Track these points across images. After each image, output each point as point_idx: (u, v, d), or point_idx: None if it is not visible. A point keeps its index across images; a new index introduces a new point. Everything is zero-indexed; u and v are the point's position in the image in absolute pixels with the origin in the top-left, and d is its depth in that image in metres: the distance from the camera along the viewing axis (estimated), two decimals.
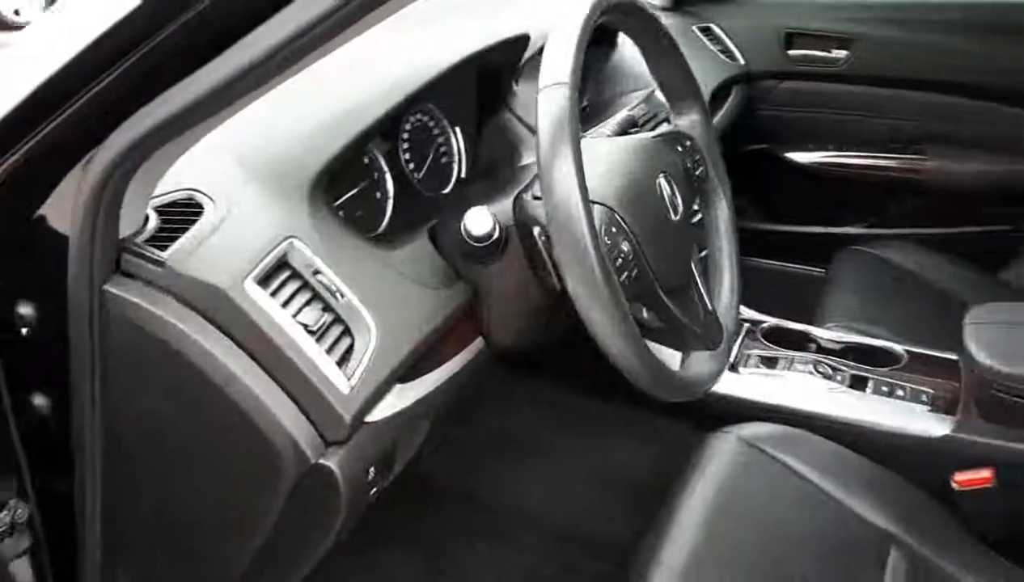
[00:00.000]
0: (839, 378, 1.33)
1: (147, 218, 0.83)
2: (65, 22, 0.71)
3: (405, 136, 1.12)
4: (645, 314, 0.93)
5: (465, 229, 0.93)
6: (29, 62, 0.71)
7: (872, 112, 1.99)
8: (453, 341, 1.01)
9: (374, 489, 0.93)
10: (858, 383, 1.32)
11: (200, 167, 0.86)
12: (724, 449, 1.18)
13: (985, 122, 1.91)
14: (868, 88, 1.98)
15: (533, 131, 1.19)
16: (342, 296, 0.86)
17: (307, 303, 0.84)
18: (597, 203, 0.86)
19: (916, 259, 1.78)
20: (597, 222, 0.83)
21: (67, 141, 0.73)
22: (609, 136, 1.14)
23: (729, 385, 1.32)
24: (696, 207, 1.09)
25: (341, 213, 0.98)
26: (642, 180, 0.96)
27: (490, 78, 1.21)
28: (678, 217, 0.99)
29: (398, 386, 0.91)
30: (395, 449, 0.96)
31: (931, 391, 1.29)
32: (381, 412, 0.88)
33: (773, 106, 2.06)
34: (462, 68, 1.12)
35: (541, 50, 1.26)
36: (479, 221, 0.93)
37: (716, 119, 1.77)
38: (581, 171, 0.79)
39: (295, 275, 0.84)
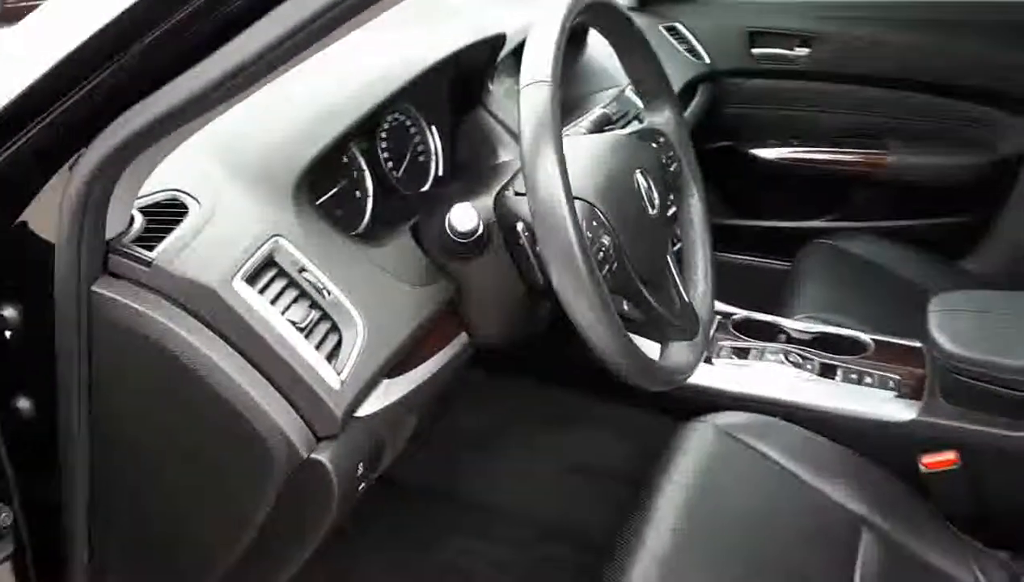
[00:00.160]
0: (809, 367, 1.36)
1: (132, 219, 0.83)
2: (50, 26, 0.71)
3: (383, 135, 1.13)
4: (625, 306, 0.95)
5: (450, 225, 0.95)
6: (13, 66, 0.71)
7: (834, 108, 2.03)
8: (437, 337, 1.02)
9: (362, 484, 0.94)
10: (827, 371, 1.35)
11: (182, 168, 0.86)
12: (700, 438, 1.21)
13: (942, 117, 1.96)
14: (830, 85, 2.02)
15: (508, 129, 1.22)
16: (328, 293, 0.87)
17: (294, 300, 0.85)
18: (579, 199, 0.88)
19: (879, 250, 1.83)
20: (579, 217, 0.85)
21: (52, 145, 0.73)
22: (585, 133, 1.16)
23: (703, 376, 1.35)
24: (670, 201, 1.12)
25: (323, 212, 0.99)
26: (620, 176, 0.98)
27: (466, 77, 1.22)
28: (655, 211, 1.01)
29: (385, 381, 0.92)
30: (383, 444, 0.97)
31: (897, 377, 1.32)
32: (370, 407, 0.90)
33: (738, 104, 2.10)
34: (439, 68, 1.13)
35: (515, 49, 1.29)
36: (464, 217, 0.94)
37: None
38: (564, 168, 0.80)
39: (282, 273, 0.85)
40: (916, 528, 1.16)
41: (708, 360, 1.38)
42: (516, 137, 1.21)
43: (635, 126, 1.32)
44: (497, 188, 1.00)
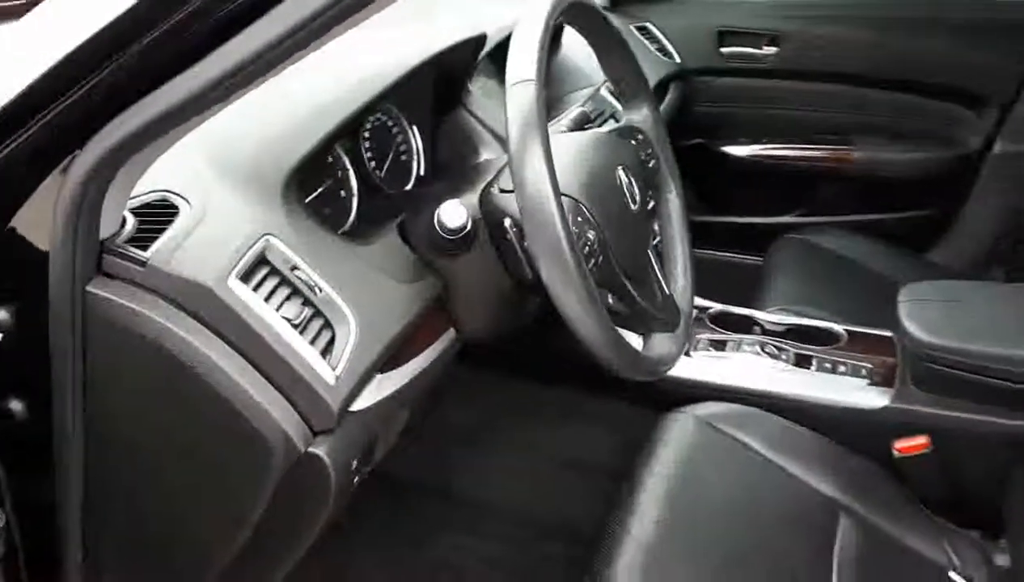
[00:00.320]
0: (784, 357, 1.40)
1: (124, 220, 0.83)
2: (47, 27, 0.72)
3: (366, 135, 1.15)
4: (610, 300, 0.97)
5: (439, 222, 0.96)
6: (10, 67, 0.71)
7: (802, 105, 2.07)
8: (426, 332, 1.04)
9: (356, 478, 0.95)
10: (802, 362, 1.39)
11: (171, 168, 0.86)
12: (681, 429, 1.24)
13: (906, 113, 2.00)
14: (797, 83, 2.06)
15: (489, 128, 1.23)
16: (320, 291, 0.88)
17: (287, 298, 0.86)
18: (564, 195, 0.90)
19: (848, 244, 1.87)
20: (565, 213, 0.87)
21: (48, 146, 0.73)
22: (565, 132, 1.18)
23: (683, 368, 1.37)
24: (649, 197, 1.14)
25: (311, 211, 1.00)
26: (603, 172, 1.00)
27: (447, 78, 1.24)
28: (636, 207, 1.04)
29: (378, 376, 0.94)
30: (376, 438, 0.98)
31: (870, 366, 1.36)
32: (364, 401, 0.91)
33: (708, 102, 2.12)
34: (422, 69, 1.15)
35: (493, 49, 1.30)
36: (454, 214, 0.96)
37: None
38: (552, 165, 0.82)
39: (274, 271, 0.86)
40: (891, 511, 1.19)
41: (687, 353, 1.41)
42: (497, 136, 1.23)
43: (612, 124, 1.35)
44: (481, 186, 1.02)
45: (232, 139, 0.94)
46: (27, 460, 0.90)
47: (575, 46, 1.63)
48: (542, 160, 0.81)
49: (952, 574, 1.12)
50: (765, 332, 1.46)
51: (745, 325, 1.48)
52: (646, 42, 2.02)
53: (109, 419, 0.87)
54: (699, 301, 1.54)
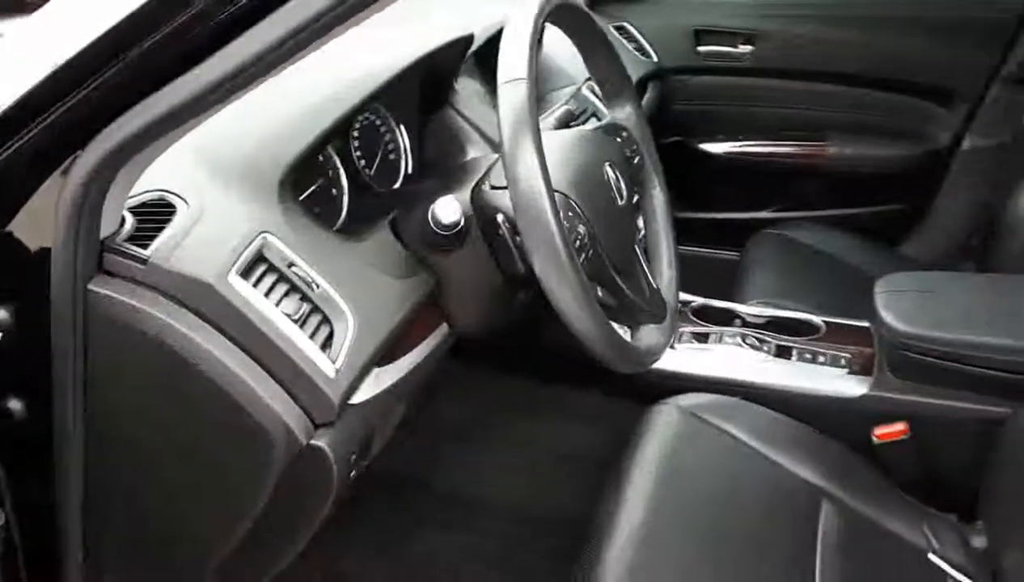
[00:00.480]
0: (766, 349, 1.43)
1: (123, 219, 0.84)
2: (51, 29, 0.72)
3: (355, 134, 1.16)
4: (599, 293, 0.99)
5: (434, 218, 0.98)
6: (14, 68, 0.72)
7: (777, 103, 2.10)
8: (420, 327, 1.05)
9: (353, 472, 0.97)
10: (783, 352, 1.42)
11: (166, 168, 0.87)
12: (666, 420, 1.26)
13: (879, 109, 2.04)
14: (773, 80, 2.09)
15: (476, 127, 1.25)
16: (317, 287, 0.89)
17: (286, 294, 0.87)
18: (555, 191, 0.92)
19: (823, 238, 1.91)
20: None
21: (49, 147, 0.74)
22: (551, 129, 1.20)
23: (667, 361, 1.38)
24: (634, 193, 1.17)
25: (305, 209, 1.01)
26: (591, 169, 1.03)
27: (434, 78, 1.25)
28: (623, 202, 1.06)
29: (376, 370, 0.95)
30: (374, 432, 1.00)
31: (848, 356, 1.39)
32: (362, 395, 0.92)
33: (686, 100, 2.15)
34: (410, 69, 1.16)
35: (478, 49, 1.32)
36: (449, 210, 0.97)
37: None
38: (544, 161, 0.84)
39: (272, 268, 0.87)
40: (871, 496, 1.22)
41: (671, 346, 1.44)
42: (483, 134, 1.24)
43: (595, 122, 1.37)
44: (470, 183, 1.03)
45: (226, 138, 0.95)
46: (26, 459, 0.90)
47: (555, 46, 1.65)
48: (535, 156, 0.83)
49: (931, 556, 1.14)
50: (746, 324, 1.49)
51: (726, 318, 1.51)
52: (624, 41, 2.04)
53: (110, 417, 0.88)
54: (681, 295, 1.56)
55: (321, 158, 1.10)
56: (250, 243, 0.86)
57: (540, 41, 1.66)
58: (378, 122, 1.21)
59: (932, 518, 1.23)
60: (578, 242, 0.93)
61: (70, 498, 0.91)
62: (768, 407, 1.31)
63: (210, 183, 0.90)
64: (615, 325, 0.99)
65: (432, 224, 0.98)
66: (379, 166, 1.20)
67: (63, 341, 0.82)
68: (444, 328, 1.10)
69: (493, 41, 1.35)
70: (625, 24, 2.10)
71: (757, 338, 1.45)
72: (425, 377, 1.09)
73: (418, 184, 1.21)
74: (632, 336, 1.06)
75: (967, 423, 1.27)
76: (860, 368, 1.37)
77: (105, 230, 0.81)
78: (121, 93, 0.71)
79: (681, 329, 1.48)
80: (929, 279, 1.43)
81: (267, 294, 0.86)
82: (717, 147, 2.13)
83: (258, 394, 0.83)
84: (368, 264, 0.98)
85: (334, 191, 1.12)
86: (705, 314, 1.52)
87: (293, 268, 0.89)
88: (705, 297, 1.56)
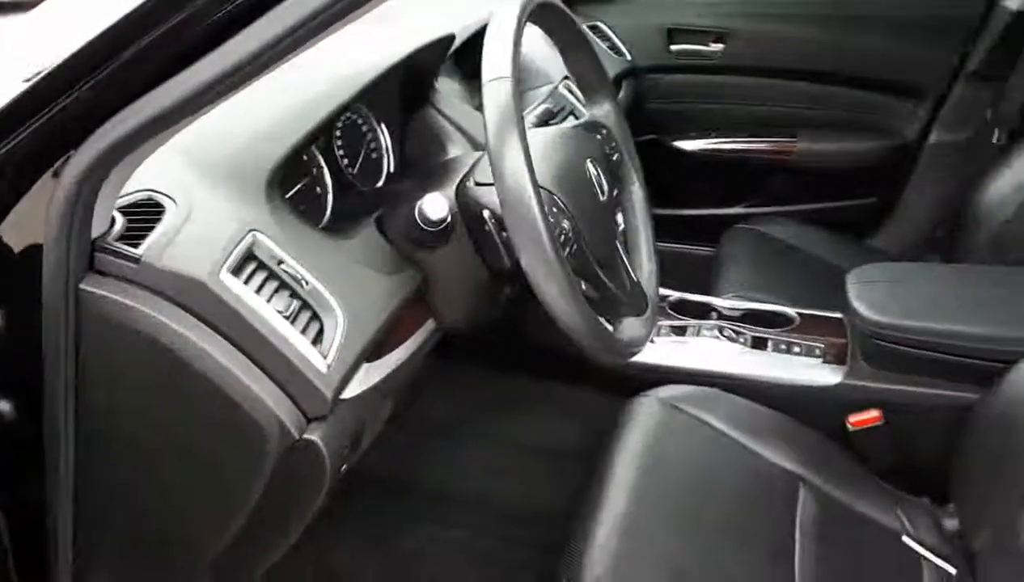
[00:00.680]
0: (742, 340, 1.46)
1: (113, 219, 0.84)
2: (46, 29, 0.73)
3: (338, 134, 1.17)
4: (583, 286, 1.01)
5: (422, 214, 0.99)
6: (6, 69, 0.73)
7: (749, 100, 2.13)
8: (407, 323, 1.07)
9: (344, 466, 0.98)
10: (759, 344, 1.45)
11: (154, 168, 0.87)
12: (646, 411, 1.28)
13: (848, 105, 2.08)
14: (743, 78, 2.12)
15: (457, 125, 1.27)
16: (307, 283, 0.90)
17: (276, 291, 0.88)
18: (540, 187, 0.94)
19: (795, 233, 1.95)
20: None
21: (42, 148, 0.75)
22: (532, 127, 1.22)
23: (647, 354, 1.40)
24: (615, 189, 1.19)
25: (291, 207, 1.02)
26: (573, 165, 1.04)
27: (416, 77, 1.27)
28: (604, 198, 1.08)
29: (366, 365, 0.97)
30: (364, 427, 1.01)
31: (822, 346, 1.43)
32: (353, 390, 0.94)
33: (659, 98, 2.17)
34: (393, 69, 1.17)
35: (459, 49, 1.34)
36: (436, 206, 0.99)
37: None
38: (529, 157, 0.86)
39: (262, 266, 0.89)
40: (847, 482, 1.25)
41: (650, 339, 1.46)
42: (464, 133, 1.26)
43: (573, 120, 1.39)
44: (453, 181, 1.05)
45: (212, 138, 0.96)
46: (16, 460, 0.90)
47: (532, 45, 1.67)
48: (521, 153, 0.85)
49: (905, 538, 1.17)
50: (722, 317, 1.52)
51: (703, 311, 1.54)
52: (598, 40, 2.05)
53: (103, 416, 0.88)
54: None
55: (305, 157, 1.11)
56: (240, 241, 0.87)
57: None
58: (360, 121, 1.22)
59: (906, 502, 1.26)
60: (563, 237, 0.95)
61: (61, 498, 0.91)
62: (746, 397, 1.34)
63: (198, 183, 0.91)
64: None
65: (419, 221, 0.99)
66: (362, 165, 1.21)
67: (55, 341, 0.82)
68: (431, 324, 1.12)
69: (472, 40, 1.37)
70: (599, 23, 2.12)
71: (734, 330, 1.48)
72: (413, 373, 1.10)
73: (401, 183, 1.23)
74: (614, 328, 1.08)
75: (938, 409, 1.30)
76: (834, 358, 1.40)
77: (96, 230, 0.82)
78: (116, 93, 0.72)
79: (659, 323, 1.50)
80: (899, 270, 1.47)
81: (258, 291, 0.87)
82: (690, 144, 2.16)
83: (252, 390, 0.84)
84: (355, 261, 0.99)
85: (318, 190, 1.13)
86: (682, 308, 1.55)
87: (282, 265, 0.90)
88: (683, 291, 1.59)
